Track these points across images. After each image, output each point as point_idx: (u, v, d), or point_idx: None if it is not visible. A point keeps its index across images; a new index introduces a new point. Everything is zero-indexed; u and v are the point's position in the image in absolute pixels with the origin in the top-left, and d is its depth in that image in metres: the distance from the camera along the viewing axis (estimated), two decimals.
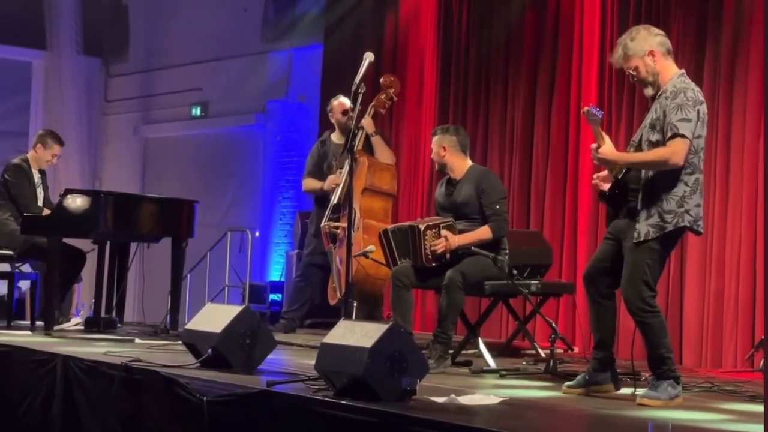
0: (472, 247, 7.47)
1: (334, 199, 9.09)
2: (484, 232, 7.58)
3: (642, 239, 5.81)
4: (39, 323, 9.30)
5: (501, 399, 5.68)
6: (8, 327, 9.21)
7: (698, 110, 5.81)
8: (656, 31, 6.03)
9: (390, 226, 8.02)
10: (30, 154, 9.87)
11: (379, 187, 9.12)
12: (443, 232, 7.52)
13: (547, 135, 10.22)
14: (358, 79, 7.54)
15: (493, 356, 7.63)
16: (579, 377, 6.21)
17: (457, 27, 11.21)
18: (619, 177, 6.00)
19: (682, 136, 5.73)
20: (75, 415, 6.74)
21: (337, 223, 9.02)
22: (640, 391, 5.92)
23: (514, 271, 7.58)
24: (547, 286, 8.47)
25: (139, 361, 6.57)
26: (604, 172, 6.14)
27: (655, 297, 5.87)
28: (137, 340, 8.54)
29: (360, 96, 7.59)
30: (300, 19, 13.41)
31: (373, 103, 9.25)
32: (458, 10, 11.20)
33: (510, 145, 10.57)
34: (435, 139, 7.84)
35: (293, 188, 13.32)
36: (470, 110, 10.99)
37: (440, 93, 11.33)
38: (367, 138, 9.23)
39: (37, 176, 9.80)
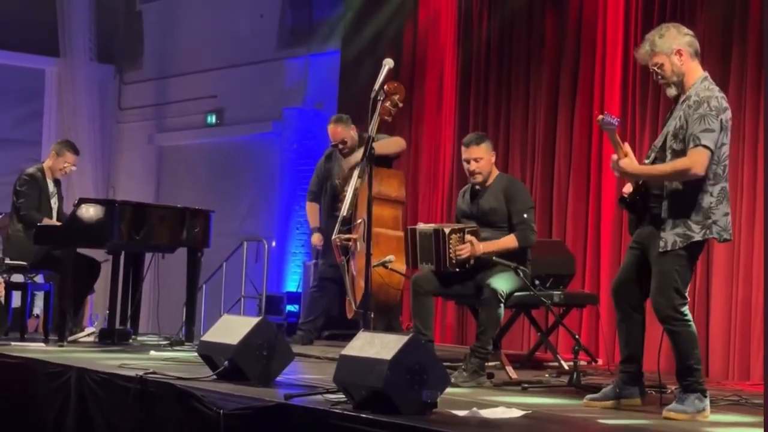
0: (494, 257, 7.35)
1: (344, 211, 8.95)
2: (510, 240, 7.50)
3: (669, 249, 5.76)
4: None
5: (523, 412, 5.61)
6: (22, 339, 9.14)
7: (721, 119, 5.76)
8: (686, 30, 5.98)
9: (419, 226, 7.83)
10: (46, 163, 9.87)
11: (387, 194, 8.99)
12: (468, 237, 7.41)
13: (569, 142, 10.11)
14: (377, 86, 7.49)
15: (515, 368, 7.60)
16: (606, 389, 6.13)
17: (477, 32, 11.10)
18: (640, 182, 5.94)
19: (704, 146, 5.70)
20: (89, 427, 6.71)
21: (348, 235, 8.92)
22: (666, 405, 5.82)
23: (537, 282, 7.49)
24: (570, 296, 8.42)
25: (154, 373, 6.54)
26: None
27: (686, 305, 5.81)
28: (152, 352, 8.52)
29: (380, 103, 7.53)
30: (317, 25, 13.34)
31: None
32: (478, 15, 11.11)
33: (532, 152, 10.46)
34: (483, 147, 7.61)
35: None
36: (491, 116, 10.88)
37: (460, 99, 11.23)
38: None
39: (51, 186, 9.72)
